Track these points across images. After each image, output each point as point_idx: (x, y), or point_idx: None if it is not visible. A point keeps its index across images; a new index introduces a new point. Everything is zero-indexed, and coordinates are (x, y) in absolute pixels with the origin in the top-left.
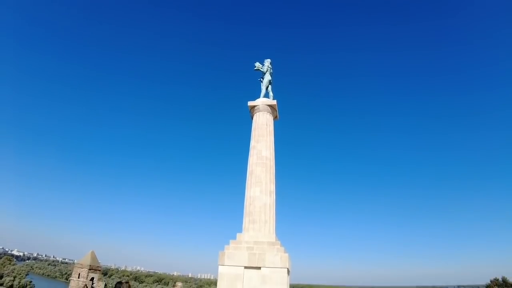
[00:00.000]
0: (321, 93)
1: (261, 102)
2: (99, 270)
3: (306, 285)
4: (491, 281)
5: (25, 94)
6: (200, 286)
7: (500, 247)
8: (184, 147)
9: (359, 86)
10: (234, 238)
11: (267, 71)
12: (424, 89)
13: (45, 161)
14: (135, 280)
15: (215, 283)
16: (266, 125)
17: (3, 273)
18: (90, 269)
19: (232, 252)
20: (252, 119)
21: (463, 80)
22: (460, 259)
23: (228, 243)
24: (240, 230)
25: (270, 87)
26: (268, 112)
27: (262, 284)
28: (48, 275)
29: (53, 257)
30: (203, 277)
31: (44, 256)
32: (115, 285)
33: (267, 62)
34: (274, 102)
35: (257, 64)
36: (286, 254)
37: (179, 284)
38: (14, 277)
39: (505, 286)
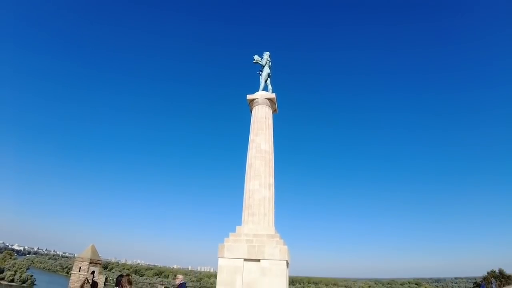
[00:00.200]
0: (321, 89)
1: (260, 95)
2: (100, 264)
3: (305, 277)
4: (488, 273)
5: (26, 93)
6: (200, 278)
7: (497, 240)
8: (183, 142)
9: (360, 83)
10: (234, 231)
11: (266, 64)
12: (425, 86)
13: (45, 158)
14: (135, 273)
15: (215, 276)
16: (265, 118)
17: (4, 268)
18: (90, 263)
19: (231, 245)
20: (251, 112)
21: (464, 77)
22: (457, 252)
23: (227, 236)
24: (239, 223)
25: (269, 80)
26: (267, 105)
27: (262, 276)
28: (49, 269)
29: (54, 251)
30: (203, 270)
31: (44, 250)
32: (117, 278)
33: (266, 55)
34: (273, 95)
35: (256, 57)
36: (285, 247)
37: (180, 276)
38: (15, 271)
39: (502, 278)
